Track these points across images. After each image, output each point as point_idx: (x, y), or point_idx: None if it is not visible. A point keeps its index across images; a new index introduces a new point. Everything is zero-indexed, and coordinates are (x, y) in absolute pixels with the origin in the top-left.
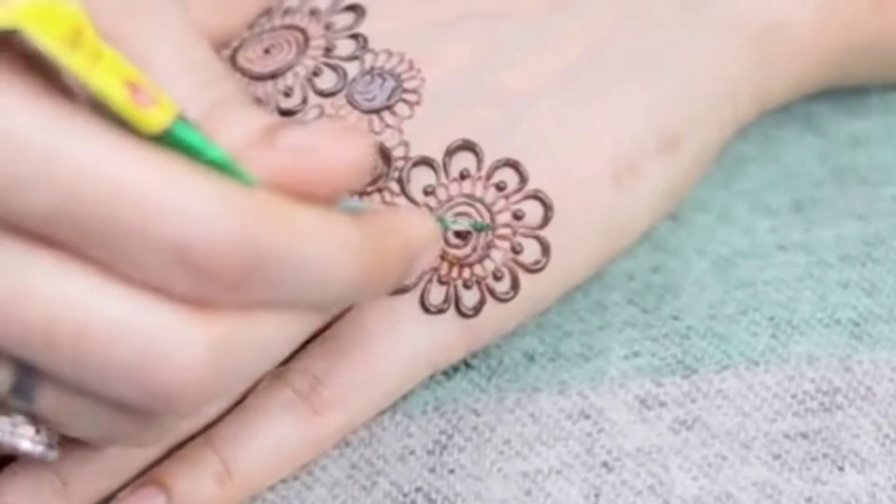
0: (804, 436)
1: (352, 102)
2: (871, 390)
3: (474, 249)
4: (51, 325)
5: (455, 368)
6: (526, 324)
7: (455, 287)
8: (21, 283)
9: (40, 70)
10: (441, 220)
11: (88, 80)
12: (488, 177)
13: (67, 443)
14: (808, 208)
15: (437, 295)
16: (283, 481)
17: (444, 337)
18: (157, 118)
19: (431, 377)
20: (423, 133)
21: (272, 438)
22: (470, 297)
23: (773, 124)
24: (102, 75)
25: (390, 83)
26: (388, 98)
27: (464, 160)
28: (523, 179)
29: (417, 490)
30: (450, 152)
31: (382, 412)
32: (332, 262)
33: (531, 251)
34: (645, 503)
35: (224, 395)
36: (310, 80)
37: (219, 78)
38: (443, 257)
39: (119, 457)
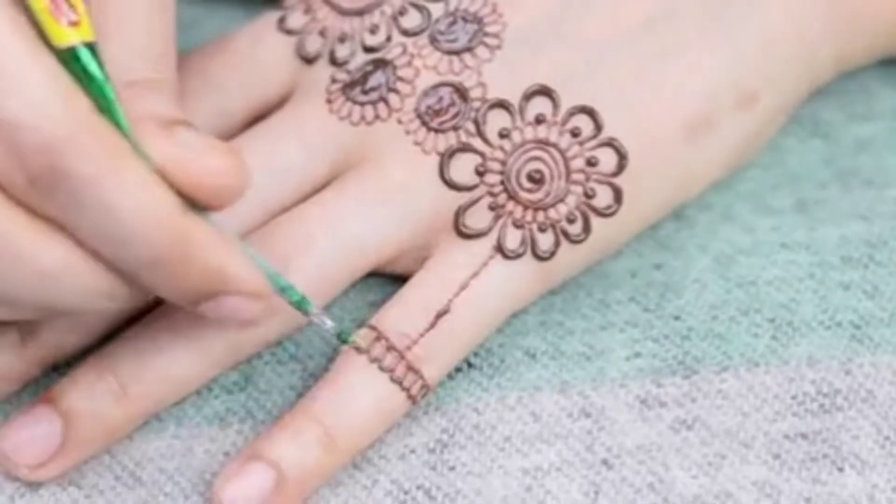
0: (804, 436)
1: (434, 43)
2: (871, 393)
3: (548, 194)
4: None
5: (457, 368)
6: (529, 321)
7: (531, 230)
8: None
9: None
10: (343, 333)
11: None
12: (563, 122)
13: (125, 344)
14: (811, 208)
15: (513, 239)
16: None
17: (522, 281)
18: (66, 35)
19: None
20: (502, 76)
21: (369, 398)
22: (545, 241)
23: (780, 132)
24: None
25: (472, 26)
26: (470, 41)
27: (540, 105)
28: (598, 127)
29: (419, 488)
30: (527, 96)
31: None
32: (136, 217)
33: (604, 196)
34: (645, 501)
35: None
36: (395, 19)
37: (162, 61)
38: (517, 201)
39: (176, 365)
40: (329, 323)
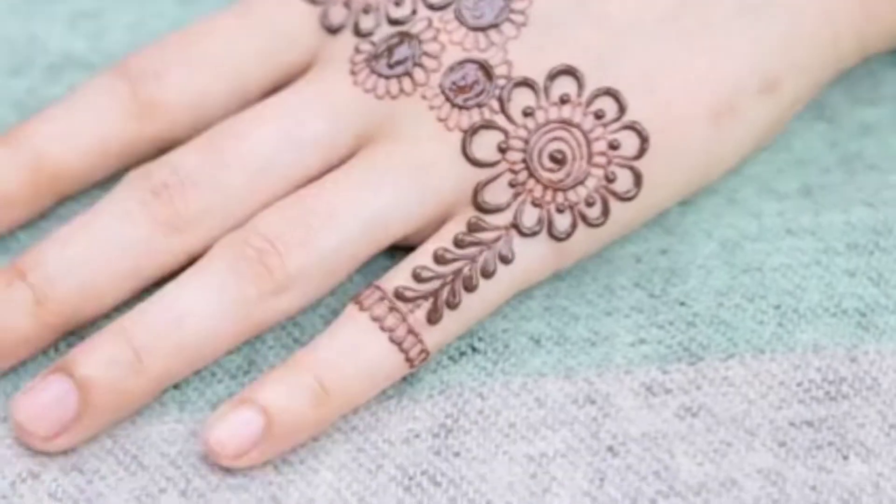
0: (809, 424)
1: (459, 18)
2: (876, 381)
3: (568, 174)
4: None
5: (461, 352)
6: (533, 306)
7: (548, 211)
8: None
9: None
10: None
11: None
12: (587, 104)
13: (142, 314)
14: (816, 193)
15: (530, 217)
16: (290, 465)
17: (535, 258)
18: None
19: (437, 361)
20: (527, 54)
21: (367, 356)
22: (562, 221)
23: None
24: None
25: (499, 2)
26: (496, 17)
27: (565, 85)
28: (622, 109)
29: (423, 473)
30: (551, 76)
31: (389, 396)
32: None
33: (624, 180)
34: (650, 488)
35: None
36: None
37: None
38: (538, 180)
39: (193, 336)
40: None
